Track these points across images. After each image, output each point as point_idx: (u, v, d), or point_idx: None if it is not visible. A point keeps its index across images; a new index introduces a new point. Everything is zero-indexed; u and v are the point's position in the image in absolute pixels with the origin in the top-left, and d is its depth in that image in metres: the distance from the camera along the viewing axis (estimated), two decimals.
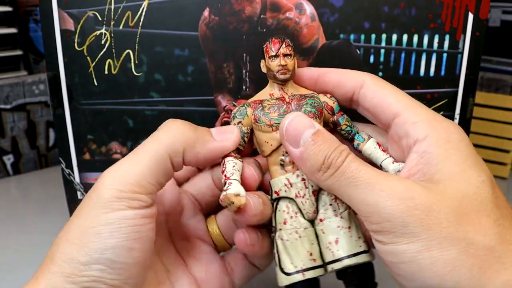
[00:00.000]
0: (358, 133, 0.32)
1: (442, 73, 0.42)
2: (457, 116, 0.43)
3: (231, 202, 0.28)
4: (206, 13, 0.41)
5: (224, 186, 0.29)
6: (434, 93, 0.43)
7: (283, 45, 0.31)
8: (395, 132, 0.29)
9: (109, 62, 0.43)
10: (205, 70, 0.43)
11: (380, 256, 0.27)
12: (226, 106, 0.44)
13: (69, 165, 0.46)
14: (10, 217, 0.54)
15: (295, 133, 0.28)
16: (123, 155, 0.45)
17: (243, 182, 0.30)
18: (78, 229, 0.27)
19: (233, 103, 0.44)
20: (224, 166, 0.30)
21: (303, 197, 0.30)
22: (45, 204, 0.57)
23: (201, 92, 0.43)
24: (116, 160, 0.43)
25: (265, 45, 0.32)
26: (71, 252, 0.26)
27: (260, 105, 0.31)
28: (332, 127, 0.32)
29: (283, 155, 0.30)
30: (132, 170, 0.28)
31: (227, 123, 0.45)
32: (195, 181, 0.35)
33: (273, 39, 0.31)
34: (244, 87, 0.43)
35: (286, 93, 0.31)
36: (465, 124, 0.43)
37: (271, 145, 0.30)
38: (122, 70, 0.43)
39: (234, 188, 0.28)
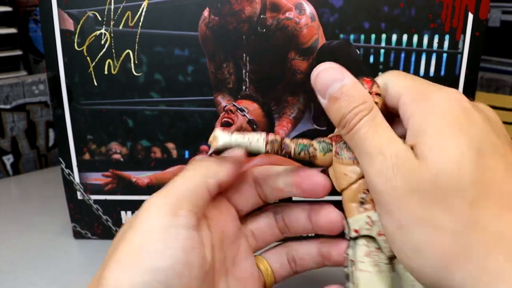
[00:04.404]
0: None
1: (442, 73, 0.42)
2: None
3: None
4: (206, 13, 0.41)
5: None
6: None
7: (375, 85, 0.30)
8: (401, 116, 0.28)
9: (109, 62, 0.43)
10: (205, 70, 0.43)
11: None
12: (226, 106, 0.44)
13: (69, 165, 0.46)
14: (10, 217, 0.54)
15: (323, 85, 0.27)
16: (123, 155, 0.45)
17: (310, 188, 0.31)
18: (127, 247, 0.24)
19: (233, 103, 0.44)
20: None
21: (385, 235, 0.29)
22: (45, 204, 0.57)
23: (201, 92, 0.43)
24: (115, 160, 0.43)
25: None
26: (119, 275, 0.23)
27: (342, 140, 0.30)
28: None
29: (364, 193, 0.29)
30: (181, 188, 0.27)
31: (227, 123, 0.45)
32: (257, 218, 0.34)
33: (364, 78, 0.30)
34: (244, 87, 0.43)
35: None
36: None
37: (350, 177, 0.30)
38: (122, 70, 0.43)
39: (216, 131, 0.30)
